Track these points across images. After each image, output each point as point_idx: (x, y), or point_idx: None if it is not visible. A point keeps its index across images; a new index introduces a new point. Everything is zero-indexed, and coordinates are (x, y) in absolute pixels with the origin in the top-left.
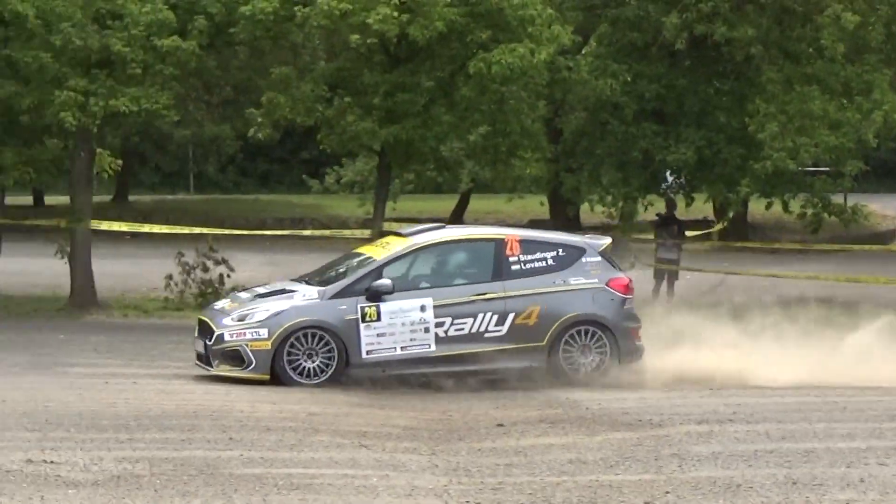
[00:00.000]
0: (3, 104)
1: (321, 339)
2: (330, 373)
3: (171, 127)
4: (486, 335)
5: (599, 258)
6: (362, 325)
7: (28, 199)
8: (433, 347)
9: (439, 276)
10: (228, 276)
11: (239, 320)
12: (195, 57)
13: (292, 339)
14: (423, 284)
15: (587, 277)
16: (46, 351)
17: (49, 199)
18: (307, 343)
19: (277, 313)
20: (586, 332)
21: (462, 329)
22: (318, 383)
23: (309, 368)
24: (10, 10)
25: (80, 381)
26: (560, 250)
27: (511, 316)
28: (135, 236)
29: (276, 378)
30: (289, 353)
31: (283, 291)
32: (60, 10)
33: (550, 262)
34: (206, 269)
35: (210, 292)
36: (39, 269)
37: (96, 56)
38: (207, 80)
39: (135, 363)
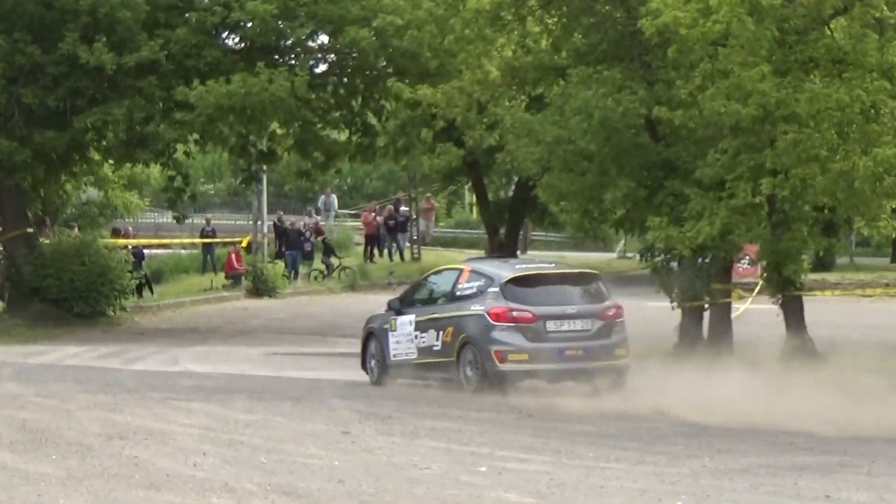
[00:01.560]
0: None
1: (375, 341)
2: (378, 371)
3: None
4: (433, 348)
5: (498, 289)
6: (390, 333)
7: None
8: (416, 355)
9: (431, 297)
10: None
11: None
12: None
13: (372, 341)
14: (420, 304)
15: (482, 305)
16: None
17: None
18: (372, 344)
19: (372, 317)
20: (469, 350)
21: (424, 342)
22: (373, 380)
23: (371, 366)
24: None
25: None
26: (484, 280)
27: (440, 333)
28: None
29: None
30: (370, 353)
31: None
32: None
33: (476, 290)
34: None
35: None
36: None
37: None
38: None
39: None
